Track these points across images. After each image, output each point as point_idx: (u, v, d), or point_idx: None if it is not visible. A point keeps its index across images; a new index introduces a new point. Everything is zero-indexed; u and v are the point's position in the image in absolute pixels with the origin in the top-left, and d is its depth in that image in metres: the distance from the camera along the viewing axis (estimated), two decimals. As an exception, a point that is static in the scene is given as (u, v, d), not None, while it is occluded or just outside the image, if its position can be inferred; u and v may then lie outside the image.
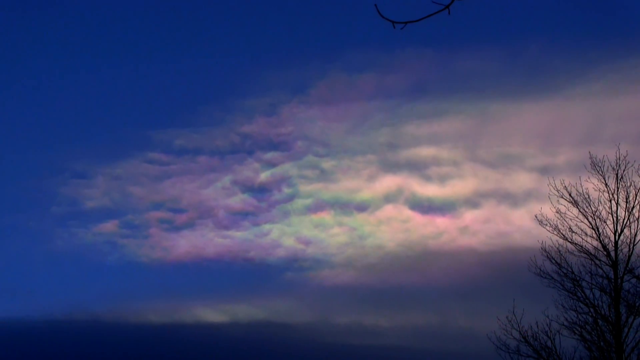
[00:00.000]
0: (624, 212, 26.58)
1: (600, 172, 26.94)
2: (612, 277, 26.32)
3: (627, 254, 26.32)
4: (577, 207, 27.11)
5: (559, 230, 27.22)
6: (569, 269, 26.86)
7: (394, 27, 6.95)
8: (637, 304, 26.16)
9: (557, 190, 27.51)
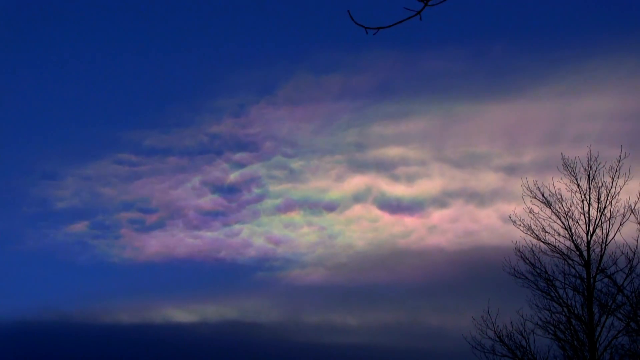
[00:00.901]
0: (595, 212, 26.78)
1: (572, 173, 27.16)
2: (585, 276, 26.47)
3: (599, 254, 26.50)
4: (550, 208, 27.29)
5: (532, 231, 27.36)
6: (543, 269, 27.01)
7: (367, 33, 6.96)
8: (609, 304, 26.34)
9: (530, 191, 27.70)
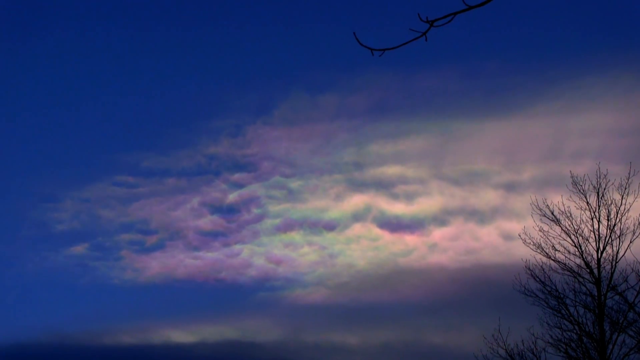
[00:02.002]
0: (605, 230, 26.79)
1: (581, 191, 27.22)
2: (596, 294, 26.45)
3: (610, 271, 26.48)
4: (560, 225, 27.34)
5: (542, 249, 27.39)
6: (553, 287, 27.01)
7: (372, 54, 7.12)
8: (620, 321, 26.28)
9: (539, 209, 27.76)
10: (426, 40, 7.10)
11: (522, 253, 27.64)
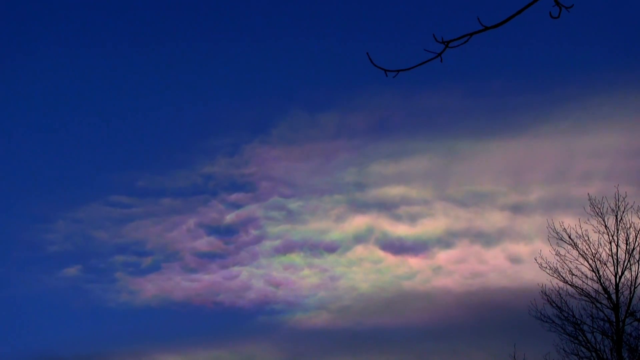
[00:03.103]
0: (624, 254, 26.52)
1: (599, 214, 26.96)
2: (614, 320, 26.14)
3: (629, 297, 26.20)
4: (577, 250, 27.07)
5: (559, 273, 27.11)
6: (570, 313, 26.70)
7: (387, 75, 6.96)
8: (639, 348, 26.01)
9: (557, 233, 27.49)
10: (441, 61, 6.94)
11: (531, 276, 27.45)
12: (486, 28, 6.76)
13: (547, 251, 27.55)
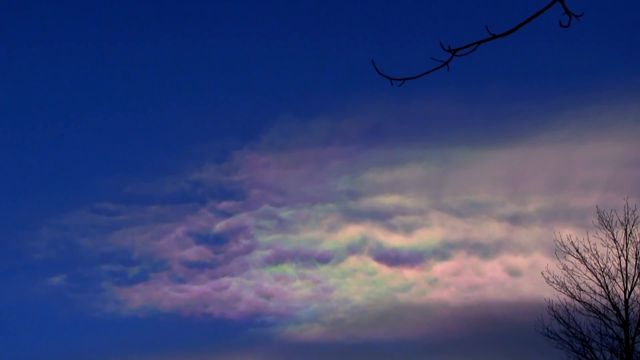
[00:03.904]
0: (634, 269, 26.35)
1: (608, 227, 26.80)
2: (623, 337, 25.95)
3: (639, 313, 26.06)
4: (585, 264, 26.90)
5: (567, 288, 26.93)
6: (578, 329, 26.52)
7: (392, 84, 6.86)
8: (649, 366, 25.85)
9: (564, 246, 27.31)
10: (448, 70, 6.82)
11: (530, 290, 27.43)
12: (494, 37, 6.62)
13: (546, 264, 27.48)
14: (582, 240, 27.05)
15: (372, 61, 7.09)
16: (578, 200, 26.62)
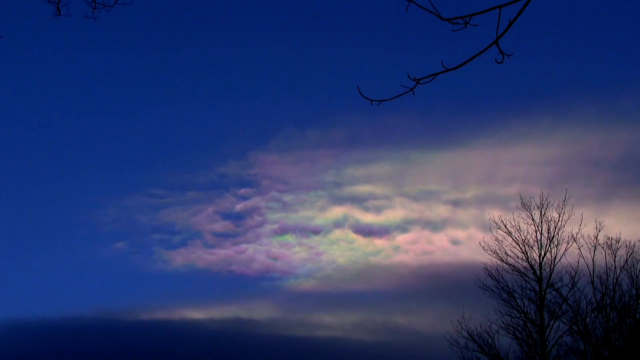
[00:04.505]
0: (546, 240, 26.55)
1: (528, 210, 26.92)
2: (538, 290, 26.14)
3: (549, 272, 26.23)
4: (511, 237, 27.01)
5: (497, 254, 27.05)
6: (505, 284, 26.66)
7: (372, 104, 6.90)
8: (556, 311, 26.06)
9: (496, 223, 27.42)
10: (413, 94, 6.87)
11: (467, 255, 27.67)
12: (447, 70, 6.69)
13: (480, 237, 27.60)
14: (509, 220, 27.17)
15: (358, 87, 7.14)
16: (503, 189, 26.92)
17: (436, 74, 6.72)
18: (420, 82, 6.83)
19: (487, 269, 27.03)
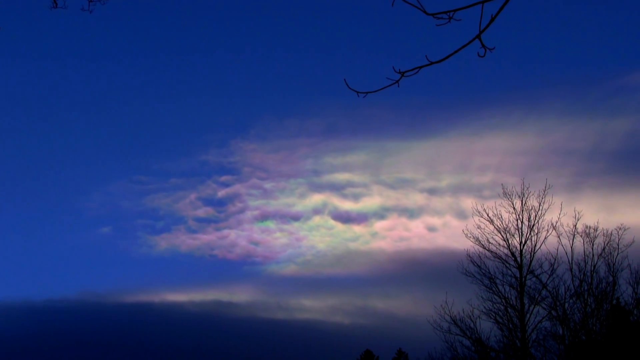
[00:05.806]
0: (526, 229, 26.74)
1: (509, 199, 27.10)
2: (518, 276, 26.36)
3: (529, 259, 26.44)
4: (493, 225, 27.20)
5: (479, 241, 27.25)
6: (487, 270, 26.88)
7: (358, 96, 6.92)
8: (536, 297, 26.29)
9: (479, 212, 27.58)
10: (398, 86, 6.91)
11: (443, 242, 27.79)
12: (431, 63, 6.73)
13: (456, 224, 27.91)
14: (492, 208, 27.30)
15: (345, 80, 7.16)
16: (476, 178, 26.97)
17: (421, 67, 6.76)
18: (405, 74, 6.88)
19: (469, 256, 27.25)
